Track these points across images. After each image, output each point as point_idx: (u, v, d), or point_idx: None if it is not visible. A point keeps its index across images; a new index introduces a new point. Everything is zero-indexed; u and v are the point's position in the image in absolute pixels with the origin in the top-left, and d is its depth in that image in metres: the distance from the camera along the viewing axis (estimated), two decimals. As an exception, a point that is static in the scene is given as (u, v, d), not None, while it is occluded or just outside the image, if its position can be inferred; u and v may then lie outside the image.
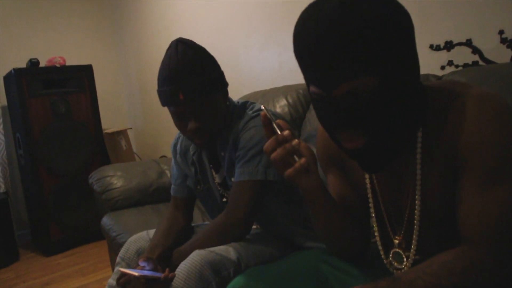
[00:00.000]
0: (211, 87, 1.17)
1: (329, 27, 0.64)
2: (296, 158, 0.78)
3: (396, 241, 0.90)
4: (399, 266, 0.89)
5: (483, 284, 0.71)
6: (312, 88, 0.73)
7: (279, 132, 0.78)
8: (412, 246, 0.86)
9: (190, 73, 1.14)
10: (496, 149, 0.70)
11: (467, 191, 0.73)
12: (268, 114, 0.79)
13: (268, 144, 0.78)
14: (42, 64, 3.19)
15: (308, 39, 0.67)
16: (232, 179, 1.26)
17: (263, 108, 0.79)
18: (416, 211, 0.82)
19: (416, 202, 0.81)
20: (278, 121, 0.79)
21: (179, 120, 1.20)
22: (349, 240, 0.94)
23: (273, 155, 0.77)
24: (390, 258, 0.91)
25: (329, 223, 0.90)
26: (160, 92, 1.18)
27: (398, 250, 0.90)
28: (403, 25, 0.67)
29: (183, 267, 1.08)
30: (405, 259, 0.88)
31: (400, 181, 0.85)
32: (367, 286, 0.74)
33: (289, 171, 0.78)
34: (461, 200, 0.75)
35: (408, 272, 0.75)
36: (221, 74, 1.23)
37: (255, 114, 1.25)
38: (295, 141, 0.77)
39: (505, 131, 0.71)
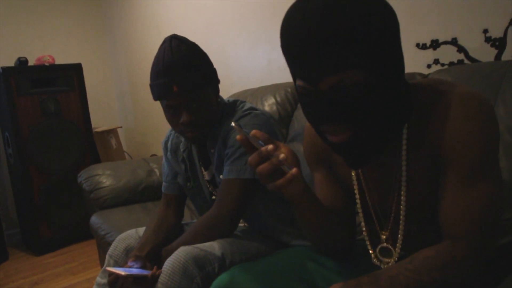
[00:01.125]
0: (204, 82, 1.19)
1: (316, 21, 0.65)
2: (284, 168, 0.75)
3: (384, 236, 0.92)
4: (387, 261, 0.91)
5: (463, 278, 0.74)
6: (299, 82, 0.74)
7: (259, 146, 0.75)
8: (398, 242, 0.87)
9: (184, 66, 1.15)
10: (478, 147, 0.72)
11: (449, 188, 0.75)
12: (240, 130, 0.76)
13: (252, 158, 0.75)
14: (31, 62, 3.16)
15: (295, 33, 0.68)
16: (221, 176, 1.27)
17: (233, 125, 0.76)
18: (401, 207, 0.84)
19: (402, 197, 0.83)
20: (253, 132, 0.76)
21: (172, 113, 1.21)
22: (335, 238, 0.95)
23: (259, 169, 0.74)
24: (378, 254, 0.92)
25: (315, 224, 0.91)
26: (153, 86, 1.19)
27: (385, 245, 0.91)
28: (388, 23, 0.69)
29: (168, 263, 1.09)
30: (393, 252, 0.90)
31: (386, 177, 0.86)
32: (350, 282, 0.75)
33: (280, 182, 0.75)
34: (443, 196, 0.76)
35: (391, 268, 0.77)
36: (213, 71, 1.26)
37: (244, 113, 1.26)
38: (282, 155, 0.74)
39: (487, 129, 0.72)
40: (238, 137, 0.76)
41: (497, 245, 1.06)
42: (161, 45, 1.20)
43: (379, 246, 0.92)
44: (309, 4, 0.67)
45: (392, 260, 0.90)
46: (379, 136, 0.76)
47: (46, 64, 3.17)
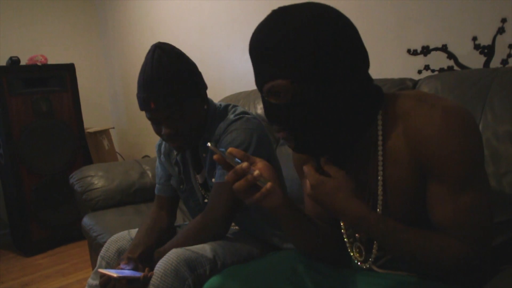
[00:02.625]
0: (184, 95, 1.18)
1: (257, 37, 0.80)
2: (260, 184, 0.80)
3: (357, 235, 0.95)
4: (360, 258, 0.94)
5: (454, 267, 0.79)
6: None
7: (235, 164, 0.80)
8: (374, 243, 0.90)
9: (162, 82, 1.15)
10: (463, 159, 0.76)
11: (439, 198, 0.79)
12: (216, 150, 0.80)
13: (228, 177, 0.80)
14: (23, 62, 3.14)
15: (250, 43, 0.82)
16: (213, 180, 1.28)
17: (209, 145, 0.81)
18: (378, 210, 0.86)
19: (378, 202, 0.85)
20: (229, 150, 0.82)
21: (154, 125, 1.24)
22: (321, 244, 0.97)
23: (235, 186, 0.79)
24: (354, 252, 0.95)
25: (299, 233, 0.94)
26: (137, 97, 1.21)
27: (359, 244, 0.94)
28: (325, 36, 0.75)
29: (160, 265, 1.10)
30: (364, 252, 0.93)
31: (364, 182, 0.88)
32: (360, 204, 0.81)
33: (256, 196, 0.80)
34: (433, 206, 0.80)
35: (400, 224, 0.80)
36: (197, 81, 1.24)
37: (237, 117, 1.27)
38: (256, 171, 0.80)
39: (470, 142, 0.76)
40: (215, 156, 0.80)
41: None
42: (146, 54, 1.21)
43: (354, 244, 0.95)
44: (262, 22, 0.81)
45: (370, 261, 0.93)
46: (320, 135, 0.82)
47: (39, 63, 3.15)
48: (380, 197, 0.85)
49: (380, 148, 0.83)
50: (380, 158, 0.83)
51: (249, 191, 0.80)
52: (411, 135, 0.79)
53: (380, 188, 0.85)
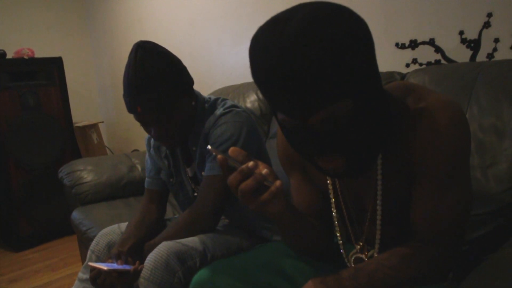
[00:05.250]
0: (171, 97, 1.17)
1: (297, 55, 0.60)
2: (268, 183, 0.72)
3: (358, 246, 0.94)
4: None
5: (434, 276, 0.79)
6: (282, 116, 0.70)
7: (238, 165, 0.72)
8: (375, 247, 0.90)
9: (147, 86, 1.14)
10: (448, 158, 0.75)
11: (421, 195, 0.79)
12: (217, 152, 0.73)
13: (233, 178, 0.71)
14: (9, 55, 3.11)
15: (274, 69, 0.62)
16: (203, 173, 1.28)
17: (209, 148, 0.74)
18: (377, 213, 0.86)
19: (378, 202, 0.84)
20: (231, 150, 0.74)
21: (143, 126, 1.24)
22: (313, 243, 0.96)
23: (243, 187, 0.70)
24: (352, 262, 0.95)
25: (296, 236, 0.92)
26: (124, 100, 1.20)
27: (360, 255, 0.94)
28: (365, 40, 0.66)
29: (150, 258, 1.10)
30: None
31: (361, 184, 0.87)
32: (329, 277, 0.78)
33: (265, 197, 0.71)
34: (415, 203, 0.80)
35: (369, 263, 0.79)
36: (183, 79, 1.22)
37: (226, 110, 1.27)
38: (265, 170, 0.72)
39: (458, 138, 0.74)
40: (218, 157, 0.73)
41: (470, 239, 1.11)
42: (129, 54, 1.18)
43: (354, 256, 0.95)
44: (284, 34, 0.61)
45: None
46: (372, 153, 0.76)
47: (25, 57, 3.11)
48: (379, 198, 0.84)
49: (379, 156, 0.81)
50: (380, 161, 0.81)
51: (256, 192, 0.72)
52: (402, 133, 0.78)
53: (379, 193, 0.83)
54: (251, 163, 0.71)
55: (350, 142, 0.70)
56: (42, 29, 3.71)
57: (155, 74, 1.14)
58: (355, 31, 0.63)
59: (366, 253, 0.92)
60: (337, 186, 0.92)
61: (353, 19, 0.65)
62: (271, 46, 0.62)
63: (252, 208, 0.73)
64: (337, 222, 0.94)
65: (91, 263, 1.18)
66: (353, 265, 0.93)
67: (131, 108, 1.18)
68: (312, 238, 0.95)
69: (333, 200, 0.93)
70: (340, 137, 0.68)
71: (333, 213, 0.94)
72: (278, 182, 0.72)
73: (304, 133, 0.69)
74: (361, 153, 0.73)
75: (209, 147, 0.74)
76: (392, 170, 0.81)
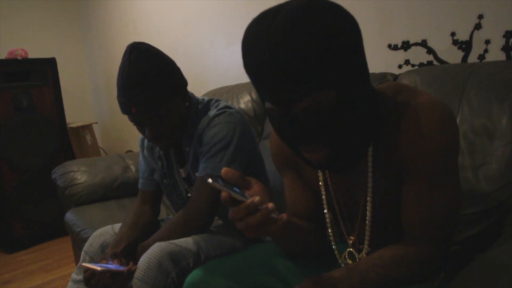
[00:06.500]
0: (165, 97, 1.17)
1: (282, 44, 0.63)
2: (273, 216, 0.70)
3: (350, 241, 0.95)
4: (345, 261, 0.94)
5: (425, 274, 0.80)
6: (268, 105, 0.73)
7: (240, 198, 0.69)
8: (365, 243, 0.90)
9: (142, 87, 1.14)
10: (437, 157, 0.75)
11: (410, 195, 0.80)
12: (220, 188, 0.68)
13: (235, 212, 0.69)
14: (2, 56, 3.10)
15: (262, 57, 0.66)
16: (196, 174, 1.28)
17: (210, 181, 0.68)
18: (368, 210, 0.86)
19: (368, 199, 0.85)
20: (224, 171, 0.71)
21: (137, 127, 1.24)
22: (307, 248, 0.97)
23: (250, 221, 0.69)
24: (346, 258, 0.95)
25: (289, 244, 0.94)
26: (118, 101, 1.20)
27: (352, 250, 0.94)
28: (353, 34, 0.67)
29: (144, 259, 1.10)
30: (357, 259, 0.93)
31: (352, 182, 0.88)
32: (322, 276, 0.78)
33: (272, 230, 0.71)
34: (405, 202, 0.81)
35: (360, 263, 0.80)
36: (177, 80, 1.23)
37: (219, 111, 1.27)
38: (270, 204, 0.69)
39: (446, 139, 0.75)
40: (223, 194, 0.69)
41: (461, 238, 1.12)
42: (123, 55, 1.19)
43: (347, 250, 0.95)
44: (273, 25, 0.65)
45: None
46: (356, 148, 0.78)
47: (19, 58, 3.09)
48: (369, 195, 0.85)
49: (370, 149, 0.82)
50: (370, 159, 0.82)
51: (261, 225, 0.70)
52: (391, 132, 0.78)
53: (370, 190, 0.84)
54: (257, 199, 0.68)
55: (333, 133, 0.71)
56: (36, 29, 3.69)
57: (149, 75, 1.15)
58: (342, 25, 0.65)
59: (360, 247, 0.93)
60: (329, 184, 0.92)
61: (341, 14, 0.67)
62: (260, 36, 0.66)
63: (252, 236, 0.72)
64: (329, 219, 0.95)
65: (84, 264, 1.18)
66: (346, 261, 0.95)
67: (125, 109, 1.18)
68: (305, 244, 0.96)
69: (324, 197, 0.93)
70: (323, 127, 0.70)
71: (325, 211, 0.94)
72: (284, 216, 0.71)
73: (289, 122, 0.71)
74: (345, 145, 0.74)
75: (209, 180, 0.68)
76: (383, 168, 0.82)
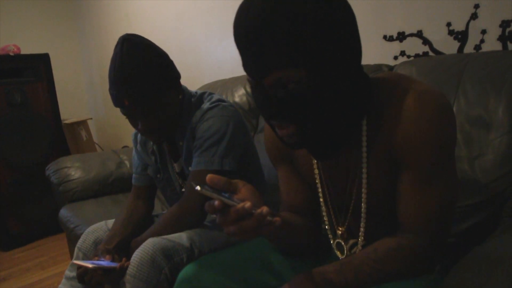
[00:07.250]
0: (158, 90, 1.16)
1: (259, 18, 0.67)
2: (270, 217, 0.69)
3: (339, 232, 0.94)
4: (340, 256, 0.94)
5: (420, 267, 0.79)
6: (247, 76, 0.76)
7: (231, 203, 0.67)
8: (359, 235, 0.89)
9: (134, 79, 1.13)
10: (434, 148, 0.74)
11: (406, 186, 0.78)
12: (208, 194, 0.67)
13: (225, 217, 0.68)
14: (-5, 52, 3.07)
15: (241, 29, 0.70)
16: (190, 168, 1.27)
17: (198, 188, 0.67)
18: (362, 202, 0.85)
19: (363, 191, 0.84)
20: (209, 178, 0.70)
21: (129, 120, 1.22)
22: (301, 245, 0.96)
23: (244, 226, 0.67)
24: (334, 247, 0.95)
25: (284, 242, 0.93)
26: (110, 94, 1.19)
27: (339, 240, 0.94)
28: (334, 19, 0.68)
29: (136, 255, 1.09)
30: (345, 249, 0.92)
31: (347, 173, 0.87)
32: (315, 270, 0.77)
33: (266, 233, 0.72)
34: (400, 194, 0.79)
35: (355, 257, 0.79)
36: (170, 72, 1.22)
37: (212, 105, 1.26)
38: (265, 208, 0.67)
39: (443, 129, 0.74)
40: (217, 203, 0.67)
41: (457, 230, 1.11)
42: (115, 47, 1.17)
43: (336, 241, 0.95)
44: (254, 3, 0.68)
45: (344, 255, 0.93)
46: (331, 131, 0.77)
47: (11, 54, 3.07)
48: (364, 186, 0.83)
49: (364, 139, 0.81)
50: (365, 149, 0.81)
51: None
52: (388, 121, 0.77)
53: (364, 181, 0.83)
54: (247, 204, 0.67)
55: (298, 111, 0.72)
56: (28, 25, 3.65)
57: (141, 67, 1.14)
58: (320, 9, 0.66)
59: (350, 239, 0.93)
60: (322, 176, 0.91)
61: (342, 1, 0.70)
62: (242, 10, 0.70)
63: (245, 240, 0.74)
64: (325, 211, 0.94)
65: (76, 261, 1.17)
66: (335, 250, 0.94)
67: (117, 102, 1.17)
68: (299, 241, 0.95)
69: (320, 189, 0.92)
70: (288, 104, 0.71)
71: (321, 202, 0.94)
72: (277, 219, 0.70)
73: (261, 94, 0.73)
74: (313, 125, 0.74)
75: (198, 187, 0.66)
76: (377, 158, 0.81)
